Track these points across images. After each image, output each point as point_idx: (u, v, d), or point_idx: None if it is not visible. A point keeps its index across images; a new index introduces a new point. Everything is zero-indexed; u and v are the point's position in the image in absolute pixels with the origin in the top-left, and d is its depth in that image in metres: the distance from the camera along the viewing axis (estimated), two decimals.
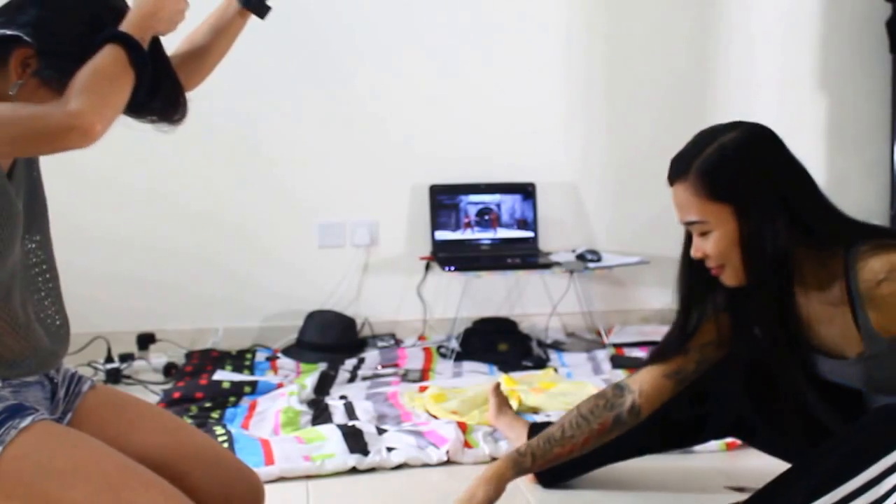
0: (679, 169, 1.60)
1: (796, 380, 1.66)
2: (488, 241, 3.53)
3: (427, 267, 3.54)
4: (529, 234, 3.55)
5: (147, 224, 3.36)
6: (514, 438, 2.15)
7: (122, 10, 1.42)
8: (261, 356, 3.30)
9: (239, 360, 3.24)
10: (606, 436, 1.82)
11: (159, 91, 1.42)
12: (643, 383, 1.80)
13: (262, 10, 1.69)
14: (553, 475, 2.09)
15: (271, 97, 3.41)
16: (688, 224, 1.62)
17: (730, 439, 2.26)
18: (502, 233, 3.54)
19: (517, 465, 1.84)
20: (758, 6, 3.74)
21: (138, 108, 1.41)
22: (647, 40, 3.66)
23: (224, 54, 1.71)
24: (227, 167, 3.33)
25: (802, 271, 1.59)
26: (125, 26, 1.37)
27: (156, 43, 1.44)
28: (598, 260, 3.46)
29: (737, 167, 1.57)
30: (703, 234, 1.59)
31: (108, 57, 1.33)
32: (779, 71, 3.77)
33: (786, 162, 1.59)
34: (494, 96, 3.55)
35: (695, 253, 1.62)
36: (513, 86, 3.56)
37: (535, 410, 2.65)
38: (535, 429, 2.13)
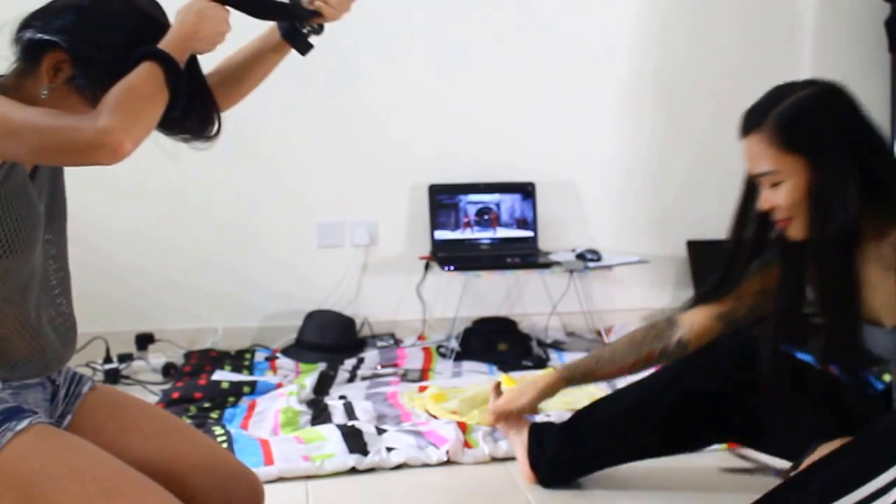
0: (754, 120, 1.62)
1: (845, 342, 1.64)
2: (488, 241, 3.52)
3: (426, 266, 3.53)
4: (529, 233, 3.55)
5: (145, 223, 3.35)
6: (517, 444, 2.15)
7: (164, 26, 1.40)
8: (260, 356, 3.30)
9: (238, 360, 3.23)
10: (652, 364, 1.87)
11: (193, 110, 1.41)
12: (693, 321, 1.84)
13: (304, 48, 1.65)
14: (555, 475, 2.09)
15: (270, 96, 3.37)
16: (758, 176, 1.62)
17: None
18: (502, 232, 3.54)
19: (567, 378, 1.94)
20: (755, 4, 3.73)
21: (171, 125, 1.40)
22: (646, 37, 3.65)
23: (259, 83, 1.68)
24: (226, 166, 3.33)
25: (863, 233, 1.59)
26: (165, 44, 1.35)
27: (193, 61, 1.42)
28: (598, 259, 3.45)
29: (814, 119, 1.58)
30: (775, 185, 1.59)
31: (145, 75, 1.31)
32: (778, 70, 3.75)
33: (862, 122, 1.60)
34: (494, 95, 3.54)
35: (763, 205, 1.62)
36: (512, 84, 3.56)
37: (535, 410, 2.62)
38: (534, 428, 2.12)
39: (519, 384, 1.98)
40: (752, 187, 1.68)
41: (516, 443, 2.16)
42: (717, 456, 2.28)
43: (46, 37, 1.34)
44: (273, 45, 1.65)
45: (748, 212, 1.69)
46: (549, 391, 1.99)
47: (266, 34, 1.66)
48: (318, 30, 1.66)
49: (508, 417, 2.10)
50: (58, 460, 1.29)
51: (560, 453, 2.07)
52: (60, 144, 1.24)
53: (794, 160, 1.56)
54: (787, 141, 1.57)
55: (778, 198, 1.59)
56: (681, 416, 1.93)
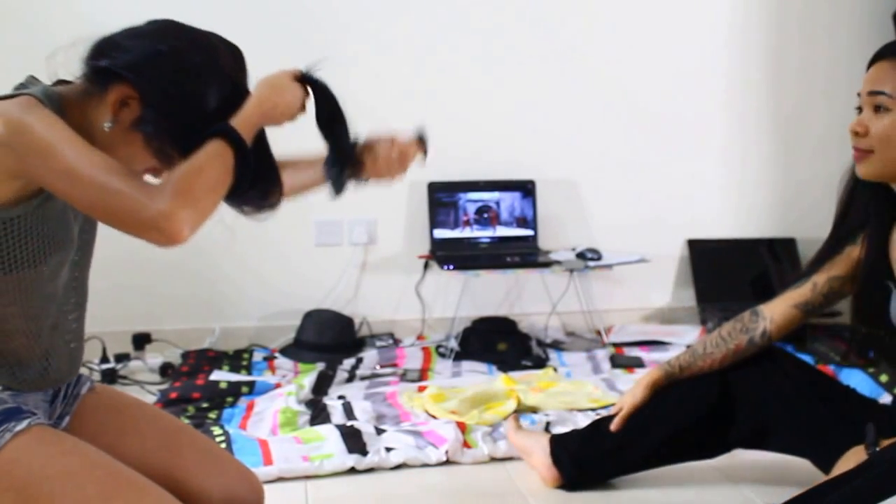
0: (890, 50, 1.64)
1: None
2: (487, 240, 3.51)
3: (426, 265, 3.51)
4: (529, 232, 3.53)
5: None
6: (538, 450, 2.13)
7: (244, 92, 1.37)
8: (258, 356, 3.28)
9: (236, 360, 3.22)
10: (741, 354, 1.96)
11: (256, 186, 1.38)
12: (774, 311, 1.93)
13: (339, 188, 1.60)
14: (580, 474, 2.08)
15: None
16: (872, 94, 1.63)
17: None
18: (501, 231, 3.52)
19: (668, 374, 2.02)
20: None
21: (232, 198, 1.37)
22: (646, 34, 3.64)
23: (288, 196, 1.63)
24: None
25: None
26: (241, 119, 1.32)
27: (261, 134, 1.39)
28: (599, 258, 3.44)
29: None
30: (879, 110, 1.61)
31: (216, 158, 1.28)
32: (783, 65, 3.74)
33: None
34: (494, 91, 3.53)
35: (856, 126, 1.64)
36: (512, 81, 3.54)
37: (535, 410, 2.63)
38: (555, 440, 2.13)
39: (629, 389, 2.08)
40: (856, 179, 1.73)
41: (536, 449, 2.15)
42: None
43: (119, 70, 1.30)
44: (313, 177, 1.63)
45: (855, 184, 1.74)
46: (656, 383, 2.04)
47: (311, 161, 1.63)
48: (362, 180, 1.63)
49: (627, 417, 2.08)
50: (56, 462, 1.28)
51: (584, 449, 2.08)
52: (118, 211, 1.22)
53: None
54: None
55: (875, 124, 1.62)
56: (708, 421, 1.99)
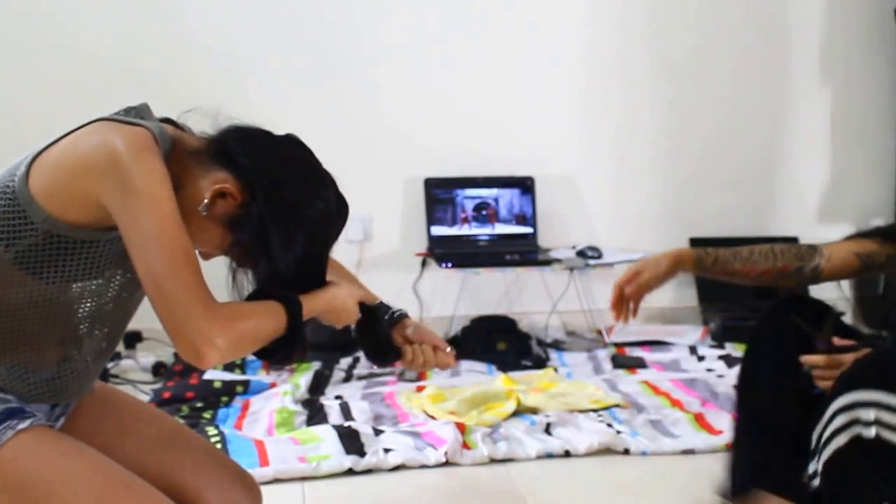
0: None
1: None
2: (486, 237, 3.48)
3: (423, 263, 3.49)
4: (528, 229, 3.51)
5: None
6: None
7: (324, 260, 1.39)
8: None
9: None
10: (785, 279, 1.85)
11: (282, 360, 1.39)
12: (833, 252, 1.84)
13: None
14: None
15: (261, 86, 3.36)
16: None
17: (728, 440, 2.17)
18: (500, 228, 3.50)
19: (700, 257, 1.86)
20: None
21: (258, 353, 1.37)
22: (647, 31, 3.63)
23: None
24: None
25: None
26: (308, 303, 1.34)
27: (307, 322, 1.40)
28: (599, 256, 3.42)
29: None
30: None
31: (272, 318, 1.29)
32: (783, 61, 3.72)
33: None
34: (492, 86, 3.51)
35: None
36: (511, 75, 3.52)
37: (535, 410, 2.61)
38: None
39: (648, 257, 1.88)
40: None
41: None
42: (717, 456, 2.16)
43: (241, 163, 1.30)
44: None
45: None
46: (682, 266, 1.86)
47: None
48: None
49: (641, 288, 1.90)
50: (54, 465, 1.27)
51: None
52: (168, 304, 1.20)
53: None
54: None
55: None
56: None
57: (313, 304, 1.36)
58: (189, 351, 1.21)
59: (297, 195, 1.32)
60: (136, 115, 1.31)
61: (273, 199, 1.30)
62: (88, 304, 1.36)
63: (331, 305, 1.40)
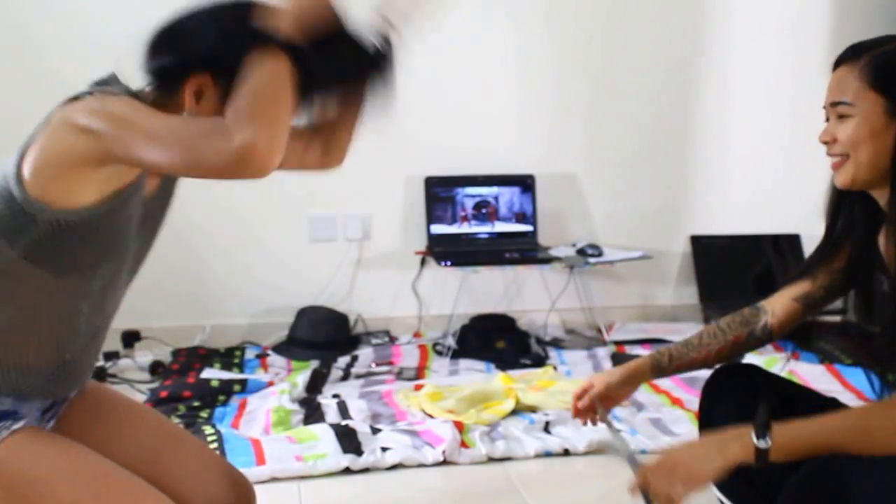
0: (852, 53, 1.63)
1: None
2: (486, 235, 3.47)
3: (422, 262, 3.48)
4: (528, 227, 3.50)
5: None
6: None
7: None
8: (250, 353, 3.25)
9: (227, 357, 3.18)
10: (740, 349, 1.86)
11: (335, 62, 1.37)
12: (775, 306, 1.85)
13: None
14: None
15: None
16: (834, 105, 1.63)
17: None
18: (500, 226, 3.49)
19: (655, 364, 1.86)
20: None
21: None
22: (648, 28, 3.61)
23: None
24: None
25: None
26: (277, 20, 1.26)
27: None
28: (599, 254, 3.40)
29: None
30: (843, 118, 1.61)
31: (270, 71, 1.23)
32: (788, 53, 3.70)
33: None
34: (492, 84, 3.49)
35: (823, 136, 1.64)
36: (511, 73, 3.51)
37: (534, 409, 2.61)
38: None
39: (604, 371, 1.89)
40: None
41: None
42: None
43: (186, 64, 1.30)
44: None
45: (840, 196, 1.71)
46: (638, 376, 1.85)
47: None
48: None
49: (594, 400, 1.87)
50: (49, 462, 1.28)
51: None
52: (204, 159, 1.19)
53: (874, 100, 1.57)
54: (874, 80, 1.58)
55: (841, 132, 1.60)
56: None
57: (284, 20, 1.27)
58: (251, 173, 1.19)
59: (217, 12, 1.31)
60: (102, 84, 1.32)
61: (220, 44, 1.29)
62: (89, 297, 1.37)
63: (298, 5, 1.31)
